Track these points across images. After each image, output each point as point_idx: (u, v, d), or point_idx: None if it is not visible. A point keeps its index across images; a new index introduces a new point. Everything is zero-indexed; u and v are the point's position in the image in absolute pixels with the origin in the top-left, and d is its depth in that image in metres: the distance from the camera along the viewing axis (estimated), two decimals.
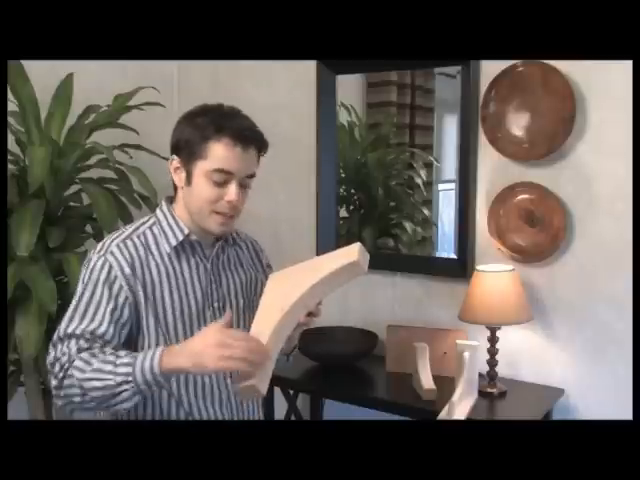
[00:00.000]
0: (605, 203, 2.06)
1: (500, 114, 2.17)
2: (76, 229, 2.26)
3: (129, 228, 1.45)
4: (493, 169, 2.24)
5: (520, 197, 2.17)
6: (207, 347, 1.21)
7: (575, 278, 2.13)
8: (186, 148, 1.38)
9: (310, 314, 1.38)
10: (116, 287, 1.36)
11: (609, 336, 2.08)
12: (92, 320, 1.34)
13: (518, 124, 2.15)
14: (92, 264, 1.38)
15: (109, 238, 1.42)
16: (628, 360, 2.02)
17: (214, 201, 1.37)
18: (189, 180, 1.39)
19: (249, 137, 1.37)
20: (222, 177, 1.36)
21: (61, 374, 1.30)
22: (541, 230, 2.15)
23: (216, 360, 1.20)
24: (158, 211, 1.47)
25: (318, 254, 2.57)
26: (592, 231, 2.09)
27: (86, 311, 1.35)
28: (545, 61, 2.07)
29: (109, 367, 1.26)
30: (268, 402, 2.36)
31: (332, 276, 1.33)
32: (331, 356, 2.34)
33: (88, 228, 2.33)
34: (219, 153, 1.35)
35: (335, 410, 2.55)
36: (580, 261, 2.12)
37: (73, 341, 1.32)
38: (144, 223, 1.46)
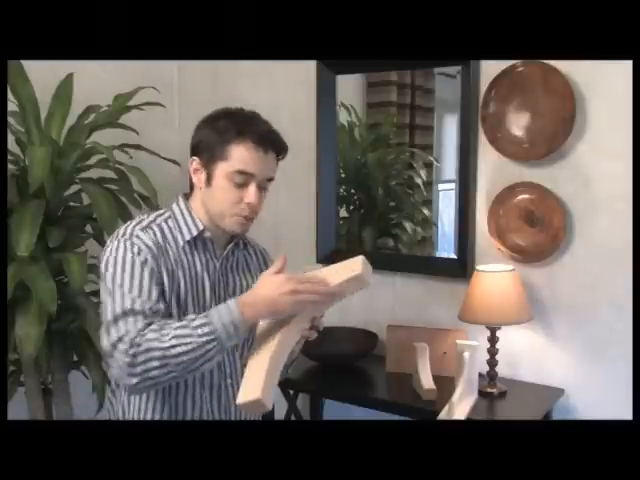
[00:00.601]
0: (605, 203, 2.06)
1: (500, 114, 2.17)
2: (76, 229, 2.26)
3: (146, 218, 1.46)
4: (493, 169, 2.24)
5: (520, 197, 2.17)
6: (281, 295, 1.29)
7: (575, 278, 2.13)
8: (206, 150, 1.41)
9: (312, 327, 1.39)
10: (149, 265, 1.36)
11: (609, 336, 2.08)
12: (140, 294, 1.33)
13: (518, 124, 2.15)
14: (121, 247, 1.37)
15: (130, 224, 1.43)
16: (628, 360, 2.02)
17: (234, 203, 1.40)
18: (209, 181, 1.42)
19: (270, 140, 1.42)
20: (242, 178, 1.39)
21: (133, 350, 1.27)
22: (541, 230, 2.15)
23: (291, 305, 1.30)
24: (174, 205, 1.49)
25: (318, 254, 2.57)
26: (592, 231, 2.09)
27: (131, 288, 1.34)
28: (545, 61, 2.07)
29: (187, 331, 1.28)
30: None
31: (335, 290, 1.34)
32: (331, 356, 2.35)
33: (88, 228, 2.32)
34: (240, 155, 1.38)
35: (335, 410, 2.55)
36: (580, 261, 2.12)
37: (131, 318, 1.31)
38: (160, 215, 1.47)
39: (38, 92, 2.20)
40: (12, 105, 2.16)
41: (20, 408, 2.18)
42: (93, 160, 2.29)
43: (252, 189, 1.40)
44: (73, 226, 2.23)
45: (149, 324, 1.31)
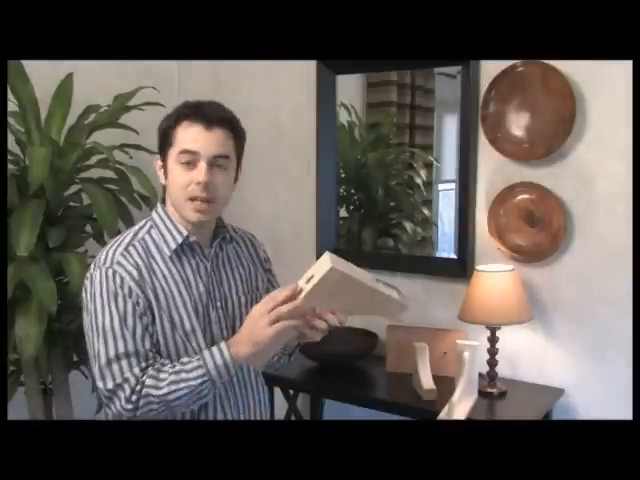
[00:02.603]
0: (605, 203, 2.06)
1: (500, 114, 2.17)
2: (76, 229, 2.26)
3: (127, 234, 1.44)
4: (493, 169, 2.24)
5: (520, 197, 2.17)
6: (260, 329, 1.28)
7: (575, 278, 2.13)
8: (160, 144, 1.42)
9: (312, 327, 1.33)
10: (134, 296, 1.35)
11: (609, 336, 2.08)
12: (129, 333, 1.34)
13: (518, 124, 2.15)
14: (102, 278, 1.36)
15: (110, 247, 1.41)
16: (628, 360, 2.02)
17: (186, 185, 1.37)
18: (166, 173, 1.42)
19: (208, 115, 1.38)
20: (187, 157, 1.37)
21: (134, 396, 1.31)
22: (541, 230, 2.15)
23: (270, 336, 1.28)
24: (154, 214, 1.47)
25: (318, 254, 2.57)
26: (592, 231, 2.09)
27: (121, 328, 1.34)
28: (545, 61, 2.07)
29: (182, 375, 1.31)
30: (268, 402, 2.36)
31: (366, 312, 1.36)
32: (331, 356, 2.34)
33: (88, 228, 2.32)
34: (181, 135, 1.38)
35: (335, 410, 2.55)
36: (580, 261, 2.12)
37: (125, 362, 1.33)
38: (142, 227, 1.45)
39: (38, 92, 2.20)
40: (12, 105, 2.16)
41: (20, 408, 2.18)
42: (93, 160, 2.29)
43: (200, 167, 1.36)
44: (73, 226, 2.23)
45: (145, 367, 1.33)
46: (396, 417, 2.10)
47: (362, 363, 2.36)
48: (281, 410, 2.46)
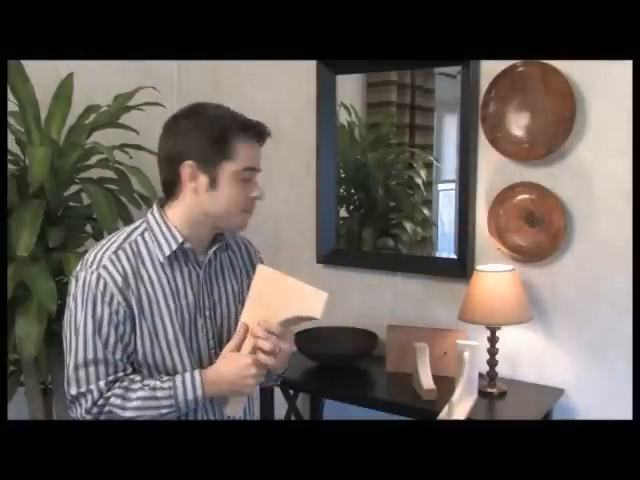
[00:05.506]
0: (605, 203, 2.06)
1: (500, 114, 2.17)
2: (76, 229, 2.26)
3: (120, 235, 1.41)
4: (493, 169, 2.24)
5: (520, 197, 2.17)
6: (244, 379, 1.36)
7: (575, 278, 2.13)
8: (204, 152, 1.35)
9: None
10: (115, 303, 1.34)
11: (609, 336, 2.08)
12: (96, 343, 1.33)
13: (518, 124, 2.15)
14: (87, 280, 1.34)
15: (100, 249, 1.38)
16: (628, 360, 2.02)
17: (243, 199, 1.40)
18: (214, 184, 1.37)
19: (263, 132, 1.41)
20: (251, 175, 1.40)
21: (95, 409, 1.33)
22: (541, 230, 2.15)
23: (252, 387, 1.39)
24: (149, 216, 1.43)
25: (318, 254, 2.57)
26: (592, 231, 2.09)
27: (94, 334, 1.34)
28: (545, 61, 2.07)
29: (149, 403, 1.33)
30: (268, 402, 2.37)
31: (286, 320, 1.39)
32: (331, 356, 2.35)
33: (88, 228, 2.32)
34: (246, 152, 1.38)
35: (335, 410, 2.55)
36: (580, 261, 2.12)
37: (92, 369, 1.33)
38: (136, 229, 1.42)
39: (38, 92, 2.20)
40: (12, 105, 2.16)
41: (20, 408, 2.18)
42: (93, 160, 2.29)
43: (256, 183, 1.42)
44: (73, 226, 2.23)
45: (112, 381, 1.34)
46: (396, 417, 2.10)
47: (362, 363, 2.36)
48: (281, 410, 2.46)
